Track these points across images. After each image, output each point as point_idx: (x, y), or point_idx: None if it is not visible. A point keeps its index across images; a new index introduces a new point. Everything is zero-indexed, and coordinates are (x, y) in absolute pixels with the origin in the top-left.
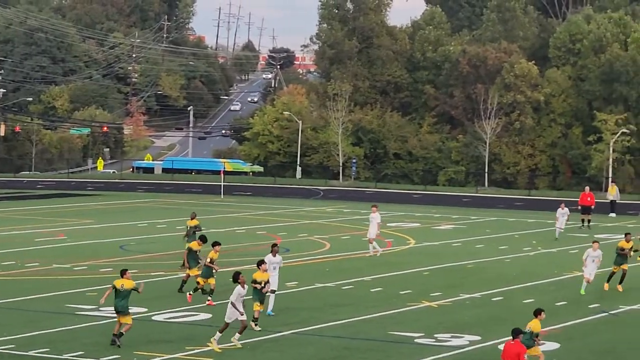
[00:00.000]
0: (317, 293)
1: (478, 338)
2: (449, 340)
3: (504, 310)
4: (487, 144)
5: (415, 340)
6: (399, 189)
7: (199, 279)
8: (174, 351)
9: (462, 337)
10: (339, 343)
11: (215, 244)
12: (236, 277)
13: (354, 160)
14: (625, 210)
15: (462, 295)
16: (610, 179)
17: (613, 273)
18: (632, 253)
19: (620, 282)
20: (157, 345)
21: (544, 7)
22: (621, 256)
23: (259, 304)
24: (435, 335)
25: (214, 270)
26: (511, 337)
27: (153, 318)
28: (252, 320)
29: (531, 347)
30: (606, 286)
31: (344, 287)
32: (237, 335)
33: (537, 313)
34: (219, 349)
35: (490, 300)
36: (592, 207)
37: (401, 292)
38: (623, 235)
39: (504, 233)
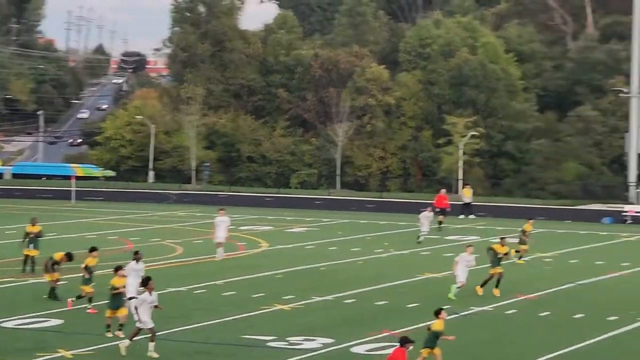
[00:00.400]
0: (170, 297)
1: (331, 340)
2: (302, 343)
3: (356, 313)
4: (339, 147)
5: (268, 344)
6: (252, 192)
7: (84, 287)
8: (23, 358)
9: (315, 340)
10: (192, 347)
11: (92, 249)
12: (145, 283)
13: (207, 164)
14: (476, 212)
15: (314, 298)
16: (463, 182)
17: (491, 277)
18: (512, 253)
19: (482, 285)
20: (7, 352)
21: (394, 12)
22: (496, 259)
23: (112, 311)
24: (288, 339)
25: (86, 276)
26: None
27: (2, 325)
28: (106, 327)
29: (433, 347)
30: (480, 291)
31: (196, 292)
32: (134, 343)
33: (437, 313)
34: (70, 354)
35: (343, 303)
36: (448, 209)
37: (254, 296)
38: (493, 238)
39: (356, 235)
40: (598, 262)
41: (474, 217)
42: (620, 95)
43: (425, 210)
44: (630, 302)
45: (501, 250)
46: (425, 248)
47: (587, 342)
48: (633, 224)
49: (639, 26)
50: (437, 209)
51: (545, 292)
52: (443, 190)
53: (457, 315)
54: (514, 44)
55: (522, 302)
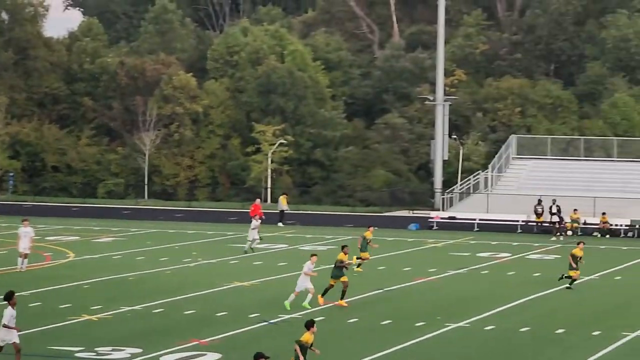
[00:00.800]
0: None
1: (139, 350)
2: (110, 354)
3: (165, 322)
4: (147, 156)
5: (76, 355)
6: (58, 202)
7: None
8: None
9: (124, 350)
10: None
11: None
12: (9, 297)
13: (11, 174)
14: (284, 220)
15: (123, 308)
16: (272, 190)
17: (331, 286)
18: (353, 264)
19: (342, 297)
20: None
21: (201, 20)
22: (339, 269)
23: None
24: (96, 349)
25: None
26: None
27: None
28: None
29: None
30: (321, 300)
31: (0, 304)
32: None
33: (308, 325)
34: None
35: (152, 312)
36: (262, 218)
37: (61, 306)
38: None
39: (164, 245)
40: (405, 269)
41: (282, 225)
42: (426, 102)
43: (253, 219)
44: (437, 308)
45: (344, 258)
46: (234, 257)
47: (395, 348)
48: (439, 230)
49: (443, 35)
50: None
51: (353, 299)
52: (258, 200)
53: (266, 323)
54: (321, 52)
55: (331, 309)
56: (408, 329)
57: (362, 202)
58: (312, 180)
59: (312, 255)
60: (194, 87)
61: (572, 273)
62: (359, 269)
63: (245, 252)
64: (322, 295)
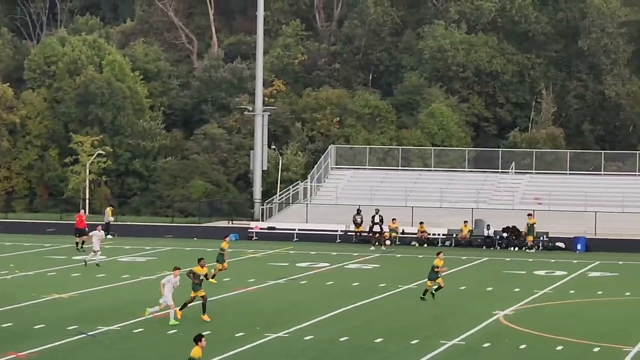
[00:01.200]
0: None
1: None
2: None
3: None
4: None
5: None
6: None
7: None
8: None
9: None
10: None
11: None
12: None
13: None
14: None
15: None
16: (90, 201)
17: (192, 300)
18: (210, 279)
19: (204, 312)
20: None
21: (18, 29)
22: (197, 284)
23: None
24: None
25: None
26: None
27: None
28: None
29: None
30: (179, 314)
31: None
32: None
33: (197, 340)
34: None
35: None
36: (86, 229)
37: None
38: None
39: None
40: (225, 279)
41: (112, 236)
42: (245, 113)
43: (95, 230)
44: (257, 318)
45: (201, 271)
46: (51, 268)
47: (214, 359)
48: (258, 240)
49: (262, 45)
50: (80, 229)
51: (166, 312)
52: (82, 211)
53: (84, 335)
54: (140, 62)
55: (148, 321)
56: (228, 339)
57: (181, 213)
58: (131, 191)
59: (175, 268)
60: (10, 98)
61: (431, 283)
62: (213, 280)
63: (98, 265)
64: (181, 309)
